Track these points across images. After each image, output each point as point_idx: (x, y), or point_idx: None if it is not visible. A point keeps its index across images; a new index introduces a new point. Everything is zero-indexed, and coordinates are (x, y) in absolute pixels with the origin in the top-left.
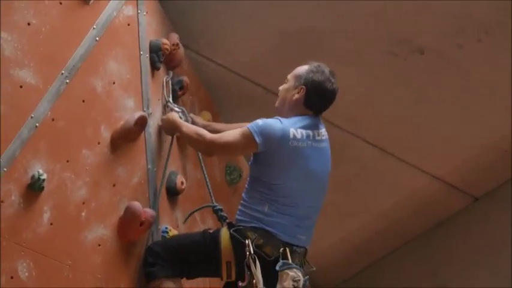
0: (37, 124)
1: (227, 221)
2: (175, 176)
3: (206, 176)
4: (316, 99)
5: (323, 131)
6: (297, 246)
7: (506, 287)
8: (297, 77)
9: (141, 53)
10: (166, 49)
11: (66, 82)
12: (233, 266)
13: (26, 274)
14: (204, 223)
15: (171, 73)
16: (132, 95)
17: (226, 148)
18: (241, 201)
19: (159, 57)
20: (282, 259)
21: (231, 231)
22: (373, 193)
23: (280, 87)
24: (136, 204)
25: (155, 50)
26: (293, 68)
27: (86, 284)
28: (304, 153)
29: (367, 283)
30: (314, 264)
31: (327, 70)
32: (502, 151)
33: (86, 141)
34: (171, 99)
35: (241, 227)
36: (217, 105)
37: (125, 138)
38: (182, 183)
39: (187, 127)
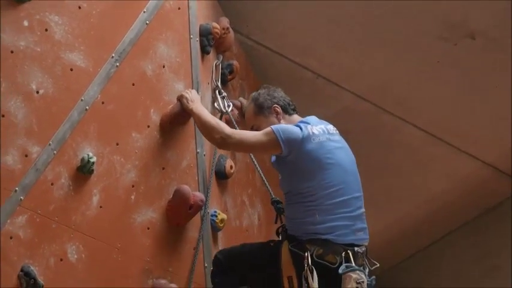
0: (87, 107)
1: (287, 232)
2: (224, 160)
3: (257, 165)
4: (286, 103)
5: (330, 126)
6: (358, 246)
7: None
8: (261, 108)
9: (191, 36)
10: (217, 33)
11: (116, 65)
12: (295, 280)
13: (76, 256)
14: (253, 207)
15: (220, 57)
16: (182, 78)
17: (244, 145)
18: (289, 221)
19: (209, 41)
20: (345, 263)
21: (290, 246)
22: (422, 178)
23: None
24: (186, 188)
25: (205, 34)
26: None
27: (135, 267)
28: (328, 146)
29: (416, 268)
30: None
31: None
32: None
33: (136, 125)
34: (220, 83)
35: (298, 241)
36: None
37: (175, 122)
38: (231, 167)
39: (208, 114)
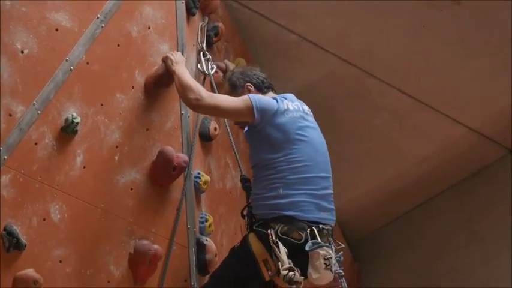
0: (72, 67)
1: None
2: (208, 122)
3: (232, 141)
4: (259, 81)
5: (306, 106)
6: (323, 224)
7: None
8: (234, 87)
9: None
10: None
11: (102, 26)
12: (270, 261)
13: (58, 216)
14: (237, 169)
15: (206, 19)
16: (167, 40)
17: (219, 109)
18: (254, 196)
19: (195, 3)
20: (311, 239)
21: (254, 227)
22: (408, 143)
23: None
24: (169, 149)
25: None
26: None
27: (118, 227)
28: (300, 123)
29: (400, 231)
30: (347, 213)
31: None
32: None
33: (120, 86)
34: (205, 46)
35: (263, 221)
36: (252, 52)
37: (159, 83)
38: (215, 129)
39: (189, 76)
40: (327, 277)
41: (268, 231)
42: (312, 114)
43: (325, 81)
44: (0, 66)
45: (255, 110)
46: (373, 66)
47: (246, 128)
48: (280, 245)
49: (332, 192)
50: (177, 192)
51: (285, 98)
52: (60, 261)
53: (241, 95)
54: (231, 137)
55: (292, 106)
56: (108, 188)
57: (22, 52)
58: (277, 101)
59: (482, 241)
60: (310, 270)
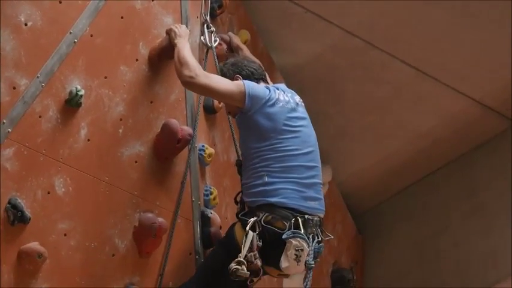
0: (75, 40)
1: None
2: None
3: (235, 137)
4: (249, 72)
5: (297, 97)
6: (310, 214)
7: None
8: (224, 77)
9: None
10: None
11: None
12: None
13: (63, 189)
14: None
15: None
16: (171, 12)
17: (211, 89)
18: (243, 186)
19: None
20: (294, 229)
21: (240, 216)
22: (411, 115)
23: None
24: (174, 122)
25: None
26: None
27: (122, 200)
28: (290, 114)
29: (404, 204)
30: (351, 186)
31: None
32: None
33: (124, 58)
34: (208, 18)
35: (249, 209)
36: (256, 24)
37: (163, 56)
38: (220, 102)
39: (188, 52)
40: (296, 268)
41: (250, 219)
42: (303, 105)
43: (328, 53)
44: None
45: (246, 96)
46: (376, 38)
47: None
48: (250, 235)
49: (321, 182)
50: (182, 165)
51: (277, 89)
52: (65, 235)
53: None
54: (230, 121)
55: (283, 97)
56: (113, 161)
57: (26, 24)
58: (269, 91)
59: (484, 213)
60: (282, 258)
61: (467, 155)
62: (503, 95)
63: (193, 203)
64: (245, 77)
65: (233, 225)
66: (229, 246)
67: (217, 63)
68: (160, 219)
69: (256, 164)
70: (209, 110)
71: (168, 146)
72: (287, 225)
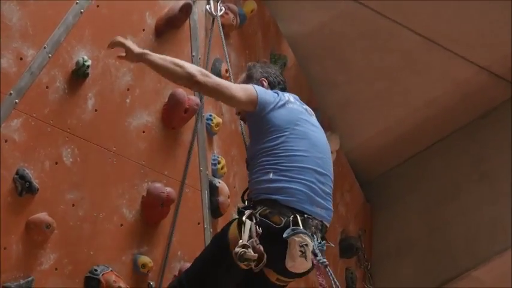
0: (82, 10)
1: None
2: (219, 64)
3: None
4: (275, 79)
5: (307, 107)
6: (312, 217)
7: None
8: (250, 78)
9: None
10: None
11: None
12: None
13: (71, 160)
14: None
15: None
16: None
17: (220, 92)
18: (249, 182)
19: None
20: (292, 226)
21: (240, 208)
22: (418, 84)
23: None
24: (181, 92)
25: None
26: None
27: (130, 170)
28: (300, 115)
29: (411, 172)
30: (359, 154)
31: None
32: None
33: (131, 28)
34: None
35: (252, 204)
36: None
37: (170, 26)
38: (226, 70)
39: (162, 57)
40: (303, 265)
41: (246, 211)
42: (314, 114)
43: (336, 22)
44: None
45: (258, 100)
46: (385, 6)
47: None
48: (248, 224)
49: (331, 193)
50: (189, 135)
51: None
52: (73, 205)
53: None
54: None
55: (294, 100)
56: (120, 131)
57: None
58: (278, 94)
59: (492, 181)
60: (287, 258)
61: (475, 123)
62: (511, 62)
63: (201, 173)
64: (270, 83)
65: (231, 221)
66: (221, 240)
67: (222, 33)
68: (168, 189)
69: (264, 162)
70: None
71: (175, 115)
72: (283, 220)
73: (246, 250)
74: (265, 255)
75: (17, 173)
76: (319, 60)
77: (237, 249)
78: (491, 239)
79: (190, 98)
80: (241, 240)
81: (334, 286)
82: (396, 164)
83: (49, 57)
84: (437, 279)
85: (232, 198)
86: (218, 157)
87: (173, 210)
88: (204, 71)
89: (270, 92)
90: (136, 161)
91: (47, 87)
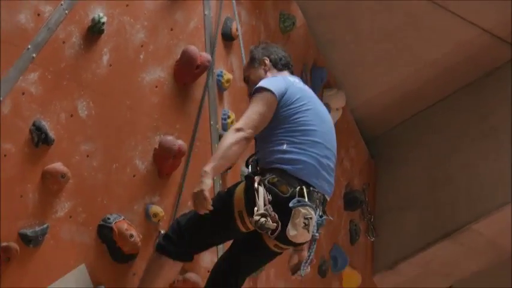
0: None
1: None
2: (230, 22)
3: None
4: (277, 57)
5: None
6: (316, 190)
7: None
8: (253, 59)
9: None
10: None
11: None
12: (245, 214)
13: (86, 112)
14: None
15: None
16: None
17: (259, 126)
18: (260, 149)
19: None
20: (298, 197)
21: (248, 174)
22: (423, 44)
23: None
24: (193, 48)
25: None
26: None
27: (143, 123)
28: (307, 93)
29: (415, 129)
30: (364, 112)
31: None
32: None
33: None
34: None
35: (260, 170)
36: None
37: None
38: (237, 29)
39: (217, 158)
40: (304, 236)
41: (256, 177)
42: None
43: None
44: None
45: (275, 95)
46: None
47: None
48: (261, 190)
49: (334, 168)
50: (200, 90)
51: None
52: (88, 156)
53: (257, 68)
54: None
55: (298, 81)
56: (134, 85)
57: None
58: (283, 79)
59: (493, 137)
60: (289, 226)
61: (477, 82)
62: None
63: (211, 127)
64: (272, 61)
65: (237, 183)
66: (226, 199)
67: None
68: (179, 142)
69: (279, 134)
70: (227, 37)
71: (187, 71)
72: (290, 191)
73: (266, 219)
74: (279, 224)
75: (33, 125)
76: (327, 20)
77: (256, 218)
78: (492, 193)
79: (202, 54)
80: (256, 208)
81: (307, 260)
82: (400, 121)
83: (66, 13)
84: (438, 232)
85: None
86: (228, 112)
87: (184, 162)
88: (235, 128)
89: (274, 78)
90: (149, 114)
91: (64, 42)
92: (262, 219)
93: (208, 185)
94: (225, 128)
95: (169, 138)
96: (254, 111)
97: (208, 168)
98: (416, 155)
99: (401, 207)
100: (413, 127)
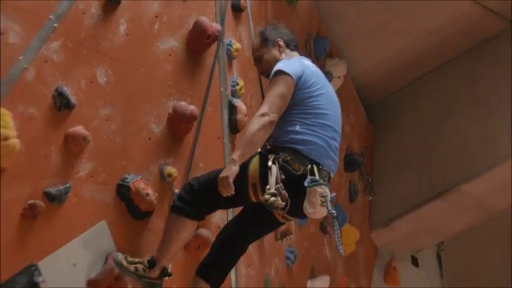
0: None
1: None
2: None
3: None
4: (289, 38)
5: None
6: (324, 168)
7: None
8: (266, 40)
9: None
10: None
11: None
12: (258, 186)
13: (104, 79)
14: None
15: None
16: None
17: (281, 107)
18: (274, 129)
19: None
20: (310, 175)
21: (261, 150)
22: (420, 15)
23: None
24: (204, 19)
25: None
26: None
27: (158, 90)
28: (320, 77)
29: (411, 96)
30: (364, 80)
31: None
32: None
33: None
34: None
35: (273, 148)
36: None
37: None
38: (245, 1)
39: (243, 144)
40: (321, 213)
41: (269, 155)
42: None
43: None
44: None
45: (293, 78)
46: None
47: None
48: (274, 169)
49: (339, 148)
50: (211, 59)
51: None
52: (106, 120)
53: (270, 48)
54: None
55: (311, 63)
56: (149, 54)
57: None
58: (299, 62)
59: (485, 103)
60: (306, 204)
61: (471, 51)
62: None
63: (221, 93)
64: (285, 42)
65: (251, 157)
66: (241, 172)
67: None
68: (191, 107)
69: (293, 115)
70: (236, 9)
71: (199, 41)
72: (302, 169)
73: (276, 198)
74: (288, 202)
75: (56, 90)
76: None
77: (266, 197)
78: (483, 155)
79: (213, 25)
80: (268, 186)
81: (336, 237)
82: (398, 88)
83: None
84: (430, 193)
85: (249, 117)
86: (237, 79)
87: (196, 126)
88: (260, 113)
89: (292, 62)
90: (163, 81)
91: (83, 13)
92: (272, 199)
93: (234, 171)
94: (234, 94)
95: (182, 103)
96: (275, 95)
97: (235, 155)
98: (412, 119)
99: (396, 168)
100: (409, 94)
